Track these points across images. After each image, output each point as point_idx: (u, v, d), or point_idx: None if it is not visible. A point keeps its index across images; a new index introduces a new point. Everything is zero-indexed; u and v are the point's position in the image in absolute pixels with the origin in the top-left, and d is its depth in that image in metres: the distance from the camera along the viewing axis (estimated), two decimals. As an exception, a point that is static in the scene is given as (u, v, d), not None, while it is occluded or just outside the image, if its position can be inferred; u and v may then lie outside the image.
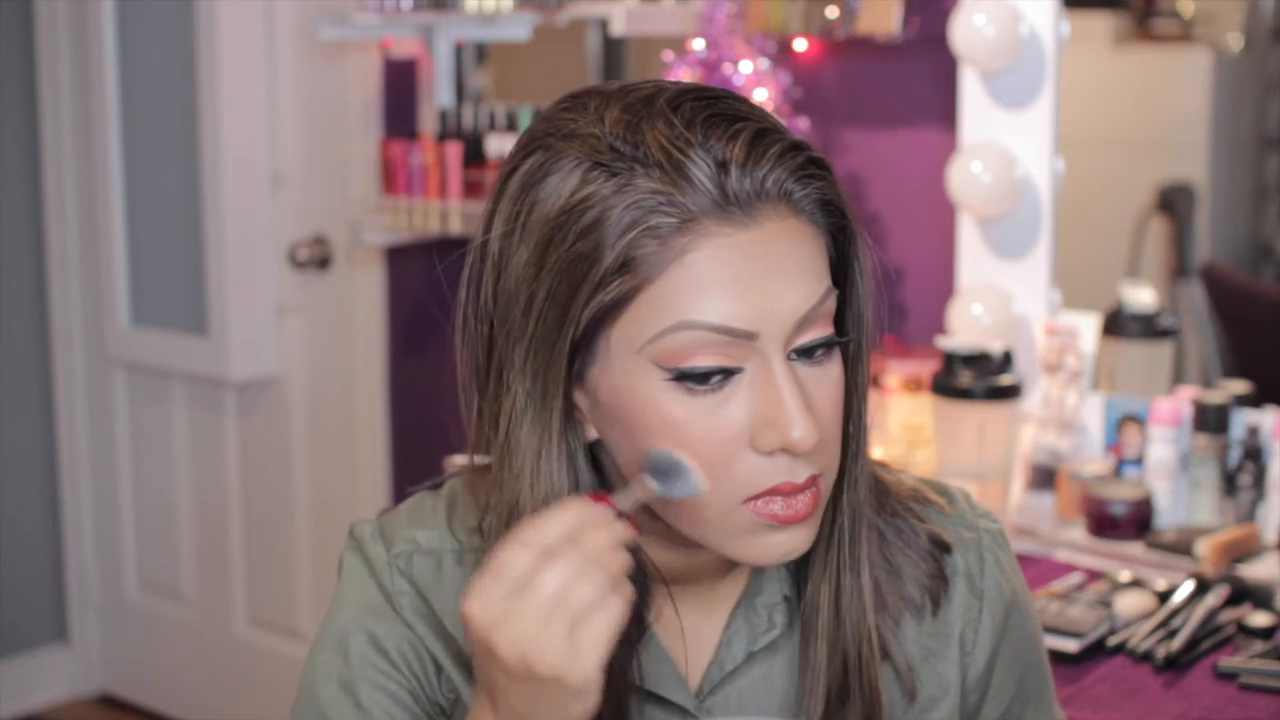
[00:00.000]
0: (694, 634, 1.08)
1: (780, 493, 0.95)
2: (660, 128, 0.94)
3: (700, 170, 0.93)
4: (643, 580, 1.04)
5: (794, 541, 0.97)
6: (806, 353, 0.96)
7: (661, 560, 1.04)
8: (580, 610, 0.88)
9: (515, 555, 0.89)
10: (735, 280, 0.93)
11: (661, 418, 0.94)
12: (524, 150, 0.99)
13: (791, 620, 1.07)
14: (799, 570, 1.07)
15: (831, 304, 0.97)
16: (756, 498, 0.96)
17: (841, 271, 1.01)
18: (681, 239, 0.92)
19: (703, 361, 0.93)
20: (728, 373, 0.94)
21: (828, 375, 0.97)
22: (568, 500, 0.93)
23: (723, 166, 0.93)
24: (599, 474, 1.02)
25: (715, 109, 0.95)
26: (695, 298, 0.93)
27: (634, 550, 1.02)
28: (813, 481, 0.96)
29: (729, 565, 1.06)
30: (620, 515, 0.93)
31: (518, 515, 0.98)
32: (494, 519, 1.01)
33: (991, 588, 1.12)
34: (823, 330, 0.97)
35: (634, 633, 1.02)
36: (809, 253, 0.96)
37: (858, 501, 1.04)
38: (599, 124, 0.96)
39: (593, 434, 1.00)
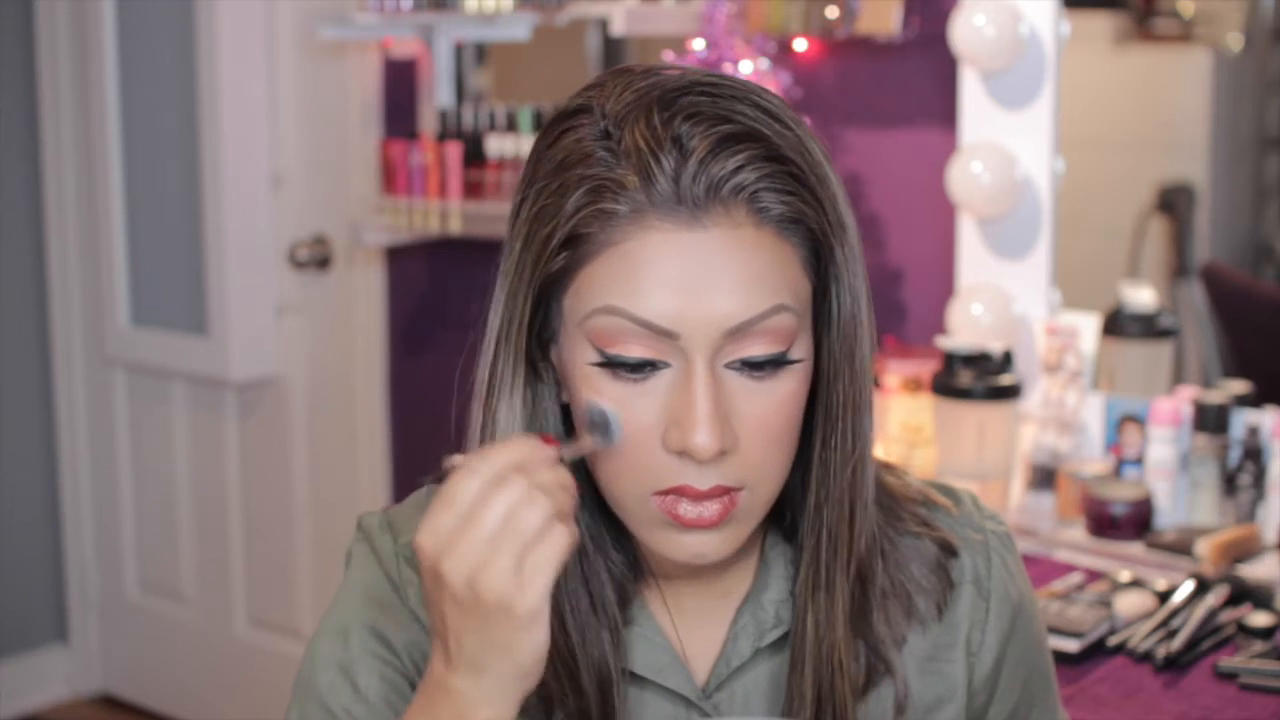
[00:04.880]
0: (702, 630, 1.08)
1: (685, 494, 0.96)
2: (643, 121, 0.94)
3: (663, 166, 0.93)
4: (631, 572, 1.05)
5: (705, 545, 0.98)
6: (755, 365, 0.96)
7: (663, 557, 1.05)
8: (527, 536, 0.88)
9: (464, 483, 0.90)
10: (666, 278, 0.93)
11: (591, 388, 0.96)
12: (554, 117, 1.01)
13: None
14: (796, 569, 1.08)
15: (784, 323, 0.95)
16: (665, 493, 0.97)
17: (823, 294, 1.00)
18: (626, 227, 0.93)
19: (631, 351, 0.95)
20: (655, 365, 0.95)
21: (770, 391, 0.96)
22: (517, 435, 0.95)
23: (684, 163, 0.93)
24: (570, 433, 1.03)
25: (710, 107, 0.95)
26: (624, 286, 0.94)
27: (627, 547, 1.04)
28: (723, 492, 0.96)
29: (733, 561, 1.07)
30: (562, 461, 0.94)
31: None
32: None
33: (999, 589, 1.12)
34: (770, 345, 0.95)
35: (617, 619, 1.04)
36: (762, 265, 0.94)
37: (836, 523, 1.03)
38: (606, 105, 0.97)
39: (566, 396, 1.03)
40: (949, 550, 1.10)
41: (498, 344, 1.01)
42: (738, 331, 0.94)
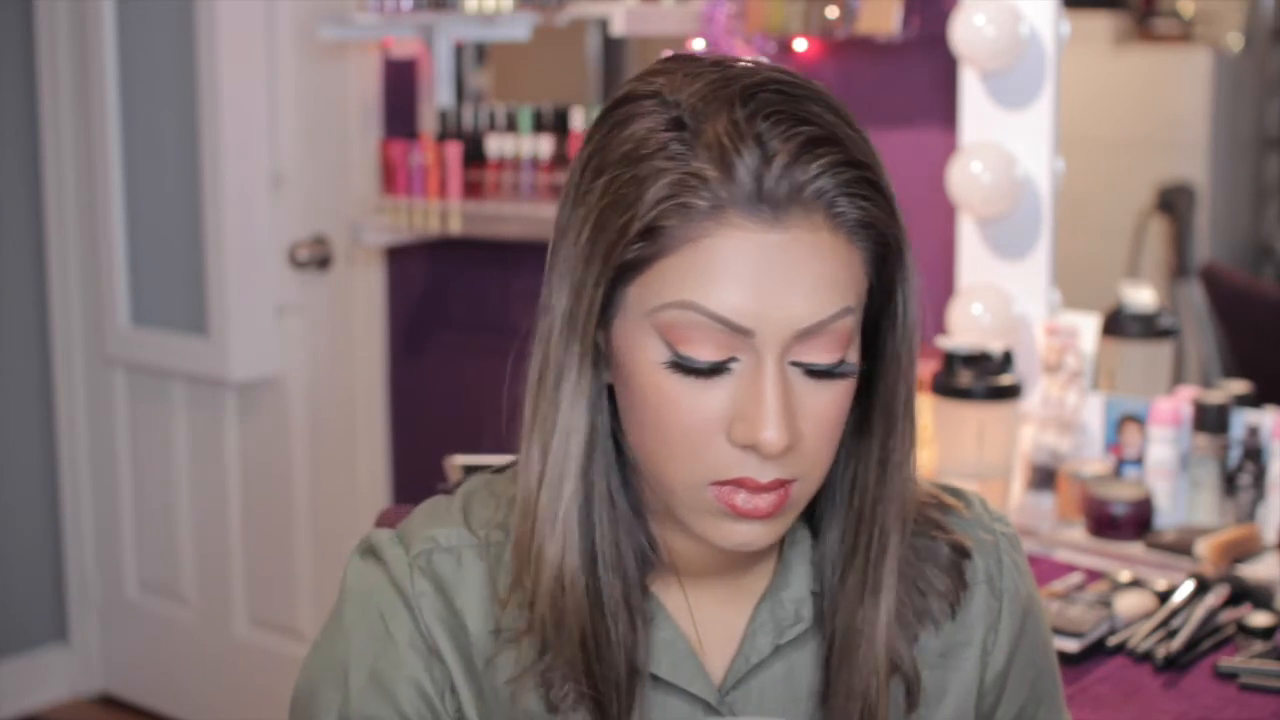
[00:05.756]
0: (718, 627, 1.08)
1: (744, 486, 0.97)
2: (724, 115, 0.95)
3: (745, 164, 0.94)
4: (643, 565, 1.04)
5: (754, 533, 0.99)
6: (814, 371, 0.97)
7: (683, 550, 1.05)
8: None
9: None
10: (744, 276, 0.94)
11: (653, 386, 0.97)
12: (615, 102, 1.01)
13: (818, 616, 1.08)
14: (821, 566, 1.08)
15: (848, 325, 0.97)
16: (722, 484, 0.97)
17: (884, 296, 1.02)
18: (706, 223, 0.94)
19: (703, 348, 0.95)
20: (724, 367, 0.96)
21: (829, 390, 0.98)
22: None
23: (767, 163, 0.94)
24: (615, 419, 1.03)
25: (788, 107, 0.95)
26: (702, 281, 0.94)
27: (647, 537, 1.04)
28: (780, 485, 0.97)
29: (752, 558, 1.07)
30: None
31: (548, 447, 1.01)
32: (526, 455, 1.03)
33: (1010, 589, 1.12)
34: (833, 348, 0.97)
35: (642, 612, 1.04)
36: (834, 268, 0.96)
37: (887, 522, 1.04)
38: (678, 94, 0.97)
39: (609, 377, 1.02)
40: (962, 552, 1.10)
41: (565, 331, 1.00)
42: (808, 333, 0.95)
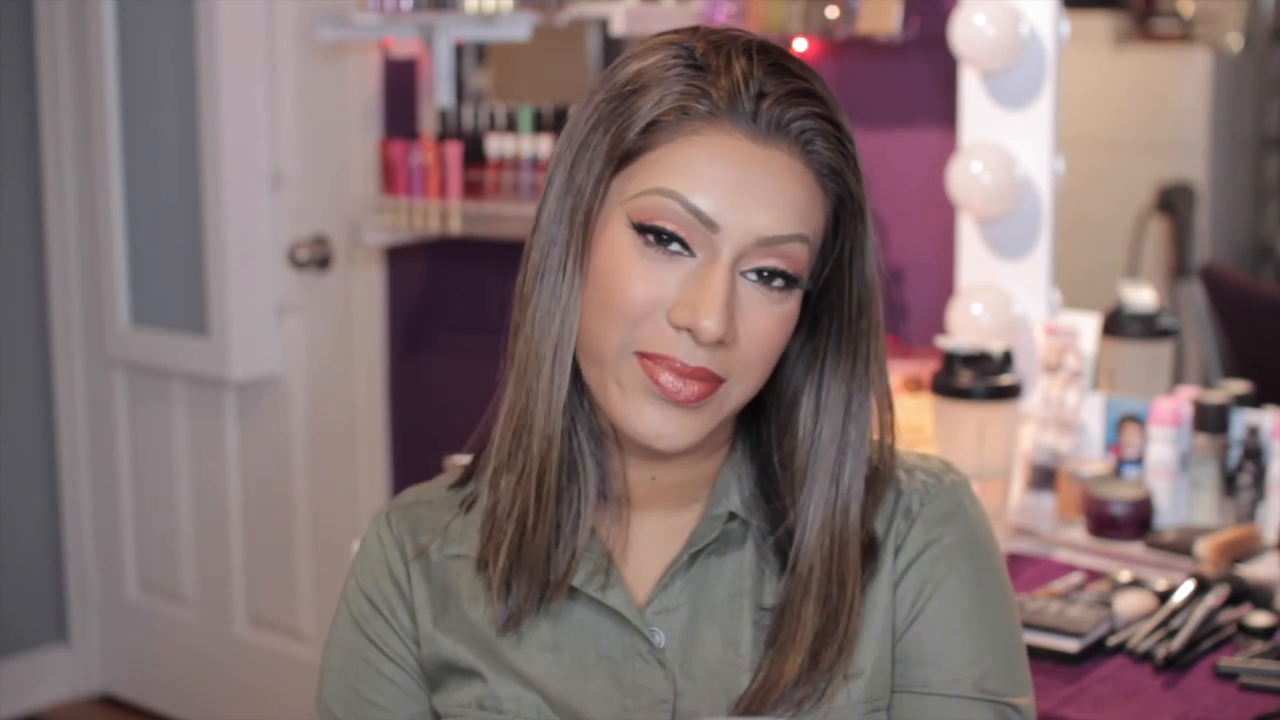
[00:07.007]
0: (655, 556, 1.15)
1: (671, 367, 1.04)
2: (732, 59, 1.05)
3: (746, 93, 1.04)
4: (580, 486, 1.11)
5: (670, 423, 1.05)
6: (765, 279, 1.05)
7: (632, 480, 1.13)
8: None
9: None
10: (723, 177, 1.03)
11: (612, 260, 1.05)
12: (620, 58, 1.11)
13: (736, 534, 1.13)
14: (755, 494, 1.13)
15: (801, 251, 1.06)
16: (649, 357, 1.04)
17: (835, 245, 1.09)
18: (700, 123, 1.04)
19: (667, 226, 1.03)
20: (684, 246, 1.04)
21: (773, 306, 1.06)
22: None
23: (763, 96, 1.05)
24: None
25: (787, 64, 1.07)
26: (682, 172, 1.04)
27: (601, 464, 1.12)
28: (708, 375, 1.04)
29: (692, 490, 1.14)
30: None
31: (548, 332, 1.08)
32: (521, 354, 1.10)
33: (930, 516, 1.14)
34: (785, 266, 1.05)
35: (589, 529, 1.11)
36: (800, 195, 1.05)
37: (839, 431, 1.11)
38: (693, 41, 1.08)
39: None
40: (897, 493, 1.15)
41: (570, 222, 1.07)
42: (766, 244, 1.04)
